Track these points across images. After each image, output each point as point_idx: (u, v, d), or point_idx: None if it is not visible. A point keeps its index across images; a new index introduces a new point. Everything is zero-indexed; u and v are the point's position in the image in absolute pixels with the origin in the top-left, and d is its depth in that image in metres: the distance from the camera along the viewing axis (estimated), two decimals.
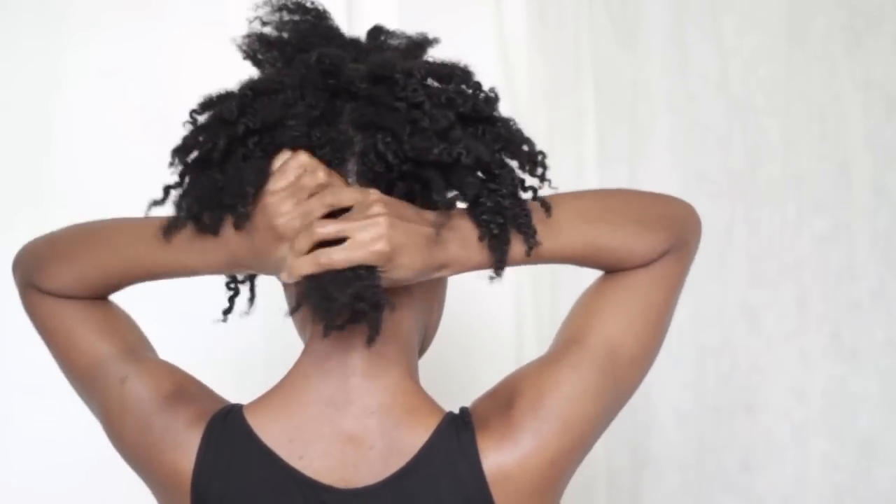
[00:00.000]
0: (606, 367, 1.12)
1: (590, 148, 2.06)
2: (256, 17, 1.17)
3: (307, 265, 1.04)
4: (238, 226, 1.08)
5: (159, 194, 1.13)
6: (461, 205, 1.10)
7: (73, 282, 1.18)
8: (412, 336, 1.15)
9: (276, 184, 1.06)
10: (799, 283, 2.13)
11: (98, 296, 1.20)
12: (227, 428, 1.11)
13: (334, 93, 1.09)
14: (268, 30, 1.16)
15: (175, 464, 1.12)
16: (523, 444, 1.08)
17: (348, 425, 1.10)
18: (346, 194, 1.05)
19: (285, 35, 1.15)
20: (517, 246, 1.11)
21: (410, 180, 1.08)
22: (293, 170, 1.05)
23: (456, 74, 1.11)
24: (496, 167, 1.10)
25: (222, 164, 1.09)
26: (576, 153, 2.08)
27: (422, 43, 1.18)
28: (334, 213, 1.05)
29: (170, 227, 1.11)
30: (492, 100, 1.12)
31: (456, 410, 1.13)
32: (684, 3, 2.12)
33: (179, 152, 1.12)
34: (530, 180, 1.13)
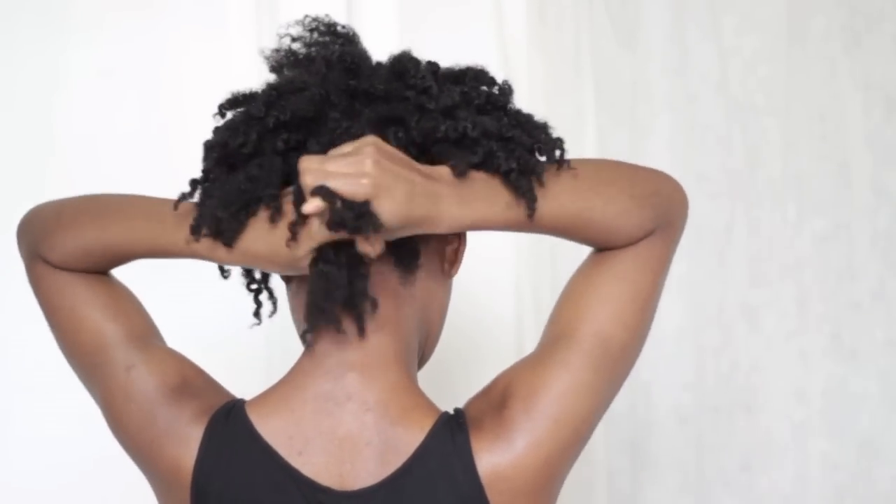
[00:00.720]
0: (598, 361, 1.12)
1: (590, 148, 2.05)
2: (287, 34, 1.17)
3: (310, 204, 1.02)
4: (274, 219, 1.07)
5: (173, 189, 1.13)
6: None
7: (76, 251, 1.16)
8: (411, 337, 1.16)
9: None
10: (799, 283, 2.13)
11: (101, 269, 1.19)
12: (230, 425, 1.12)
13: (353, 94, 1.10)
14: (297, 46, 1.17)
15: (177, 459, 1.12)
16: (517, 445, 1.09)
17: (346, 420, 1.11)
18: (348, 146, 1.05)
19: (313, 52, 1.16)
20: (517, 209, 1.10)
21: (424, 163, 1.08)
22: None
23: (470, 72, 1.14)
24: (506, 132, 1.11)
25: (249, 160, 1.09)
26: (576, 153, 2.07)
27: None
28: None
29: (196, 228, 1.10)
30: (506, 91, 1.15)
31: (451, 411, 1.13)
32: (684, 3, 2.12)
33: (212, 148, 1.12)
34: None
